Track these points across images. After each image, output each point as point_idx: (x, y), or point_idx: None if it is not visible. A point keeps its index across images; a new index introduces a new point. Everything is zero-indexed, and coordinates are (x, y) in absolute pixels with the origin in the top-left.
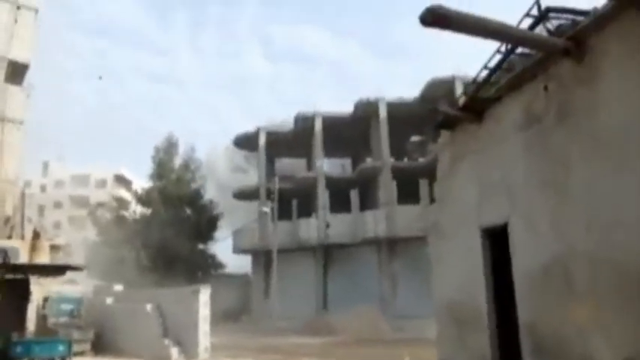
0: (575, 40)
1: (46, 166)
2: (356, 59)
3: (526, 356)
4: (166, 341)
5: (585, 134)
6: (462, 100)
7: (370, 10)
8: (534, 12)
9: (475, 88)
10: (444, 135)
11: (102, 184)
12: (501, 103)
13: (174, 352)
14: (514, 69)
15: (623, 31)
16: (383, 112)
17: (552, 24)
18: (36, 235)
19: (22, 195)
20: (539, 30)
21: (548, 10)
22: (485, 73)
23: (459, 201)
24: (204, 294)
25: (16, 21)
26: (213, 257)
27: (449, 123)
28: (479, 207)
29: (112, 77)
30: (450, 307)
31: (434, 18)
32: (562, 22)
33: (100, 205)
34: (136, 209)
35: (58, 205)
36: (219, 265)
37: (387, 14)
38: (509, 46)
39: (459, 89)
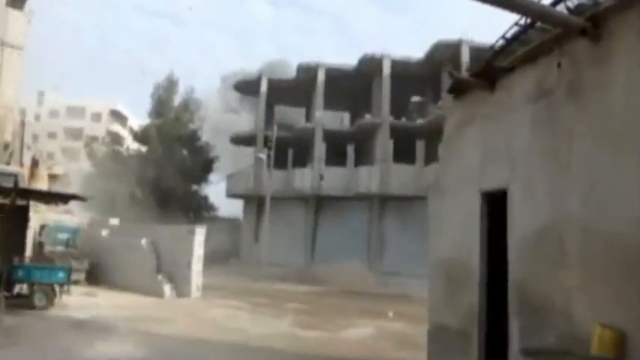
0: (594, 21)
1: (41, 95)
2: (359, 10)
3: (512, 314)
4: (160, 277)
5: (592, 112)
6: (475, 67)
7: None
8: None
9: (491, 56)
10: (454, 98)
11: (97, 117)
12: (514, 74)
13: (167, 288)
14: (530, 42)
15: (636, 18)
16: (387, 69)
17: (572, 2)
18: (35, 163)
19: (22, 122)
20: (560, 7)
21: None
22: (500, 42)
23: (462, 163)
24: (200, 234)
25: None
26: (205, 199)
27: (460, 87)
28: (481, 171)
29: (112, 10)
30: (444, 264)
31: None
32: (583, 1)
33: (95, 138)
34: (131, 145)
35: (52, 135)
36: (211, 208)
37: None
38: (528, 20)
39: (464, 53)
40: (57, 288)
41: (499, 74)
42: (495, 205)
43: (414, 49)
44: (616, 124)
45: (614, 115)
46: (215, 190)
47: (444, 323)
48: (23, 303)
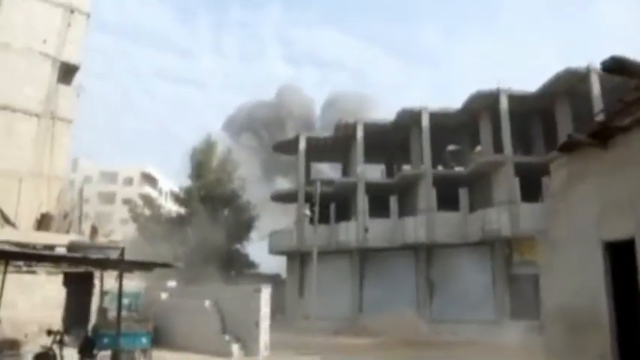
0: None
1: (75, 162)
2: (377, 64)
3: None
4: (227, 337)
5: None
6: (591, 127)
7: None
8: None
9: (609, 118)
10: (563, 156)
11: (129, 181)
12: (632, 133)
13: (235, 348)
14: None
15: None
16: (426, 121)
17: None
18: (94, 231)
19: (80, 191)
20: None
21: None
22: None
23: (575, 216)
24: (266, 292)
25: (69, 24)
26: (246, 257)
27: (570, 145)
28: (600, 223)
29: (136, 78)
30: (562, 312)
31: (616, 64)
32: None
33: (129, 201)
34: (166, 207)
35: (85, 200)
36: (252, 265)
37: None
38: None
39: (503, 103)
40: (138, 353)
41: (613, 134)
42: (619, 254)
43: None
44: None
45: None
46: (254, 248)
47: None
48: None
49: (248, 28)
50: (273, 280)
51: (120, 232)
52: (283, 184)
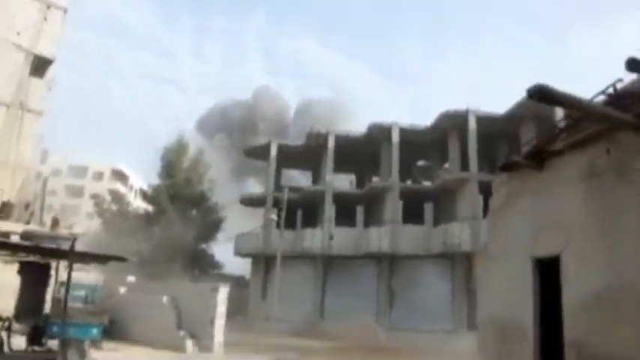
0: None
1: (45, 154)
2: (358, 78)
3: None
4: (182, 333)
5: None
6: (527, 150)
7: (378, 32)
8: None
9: (544, 142)
10: (503, 175)
11: (99, 176)
12: (564, 157)
13: (189, 344)
14: (574, 129)
15: None
16: (396, 136)
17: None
18: (55, 223)
19: (44, 183)
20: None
21: (621, 95)
22: (555, 131)
23: (511, 232)
24: (223, 292)
25: (45, 19)
26: (212, 257)
27: (510, 166)
28: (532, 240)
29: (116, 75)
30: (494, 322)
31: (539, 93)
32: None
33: (96, 196)
34: (134, 203)
35: (52, 193)
36: (217, 265)
37: (394, 37)
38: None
39: (471, 122)
40: (87, 343)
41: (548, 156)
42: (546, 270)
43: (411, 115)
44: None
45: None
46: (220, 248)
47: None
48: (52, 358)
49: (231, 36)
50: (238, 281)
51: (85, 225)
52: (255, 186)
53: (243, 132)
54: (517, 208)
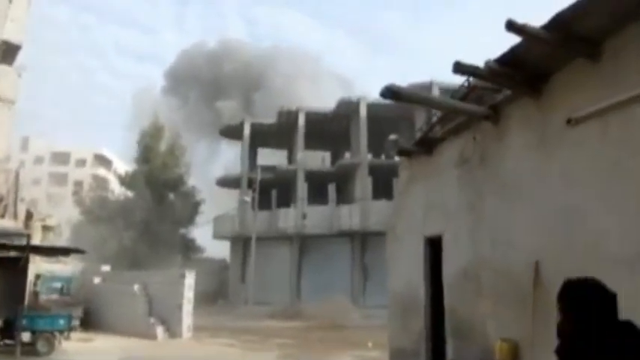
0: (494, 109)
1: (25, 141)
2: (339, 48)
3: (448, 335)
4: (152, 320)
5: (495, 175)
6: (416, 137)
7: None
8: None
9: (427, 129)
10: (403, 160)
11: (82, 162)
12: (444, 143)
13: (160, 330)
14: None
15: (520, 107)
16: (363, 112)
17: (477, 94)
18: (29, 216)
19: (17, 175)
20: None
21: (474, 87)
22: (434, 119)
23: (410, 213)
24: (190, 278)
25: (10, 1)
26: (192, 241)
27: (406, 152)
28: (424, 220)
29: (95, 53)
30: (398, 297)
31: (391, 93)
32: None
33: (80, 183)
34: (116, 189)
35: (36, 181)
36: (198, 249)
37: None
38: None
39: (435, 94)
40: (57, 335)
41: (434, 143)
42: (435, 248)
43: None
44: (509, 184)
45: (508, 177)
46: (202, 232)
47: (400, 347)
48: (26, 350)
49: (211, 4)
50: (219, 264)
51: (66, 215)
52: (228, 149)
53: (212, 85)
54: (414, 191)
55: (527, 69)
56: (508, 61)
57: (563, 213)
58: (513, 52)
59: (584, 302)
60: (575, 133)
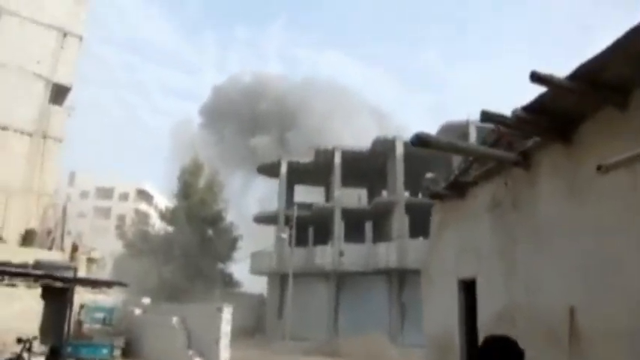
0: (523, 155)
1: (72, 176)
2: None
3: None
4: (190, 352)
5: (527, 220)
6: (448, 181)
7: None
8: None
9: (459, 173)
10: (435, 203)
11: (124, 197)
12: (477, 187)
13: None
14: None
15: (550, 154)
16: (400, 150)
17: (507, 139)
18: (75, 248)
19: (64, 209)
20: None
21: (504, 134)
22: (465, 165)
23: (443, 256)
24: (227, 312)
25: (62, 47)
26: (230, 276)
27: (438, 195)
28: (457, 263)
29: (140, 92)
30: (434, 339)
31: (420, 141)
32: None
33: (123, 217)
34: (157, 223)
35: (81, 215)
36: (235, 284)
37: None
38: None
39: (472, 132)
40: None
41: (466, 187)
42: (469, 290)
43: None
44: (541, 230)
45: (540, 223)
46: (239, 267)
47: None
48: None
49: (252, 47)
50: (256, 299)
51: (111, 247)
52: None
53: (247, 119)
54: (447, 234)
55: (555, 116)
56: (535, 108)
57: (596, 260)
58: (540, 100)
59: None
60: (605, 180)
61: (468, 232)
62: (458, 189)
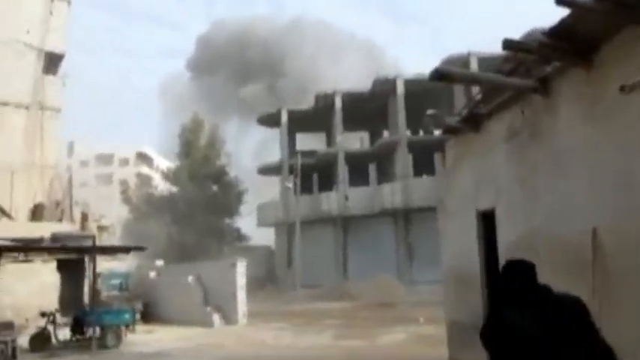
0: (542, 82)
1: (71, 146)
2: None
3: None
4: (208, 309)
5: (547, 147)
6: (463, 114)
7: None
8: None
9: (473, 106)
10: (449, 137)
11: (125, 162)
12: (492, 119)
13: (216, 318)
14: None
15: (570, 79)
16: (400, 89)
17: (525, 67)
18: (84, 218)
19: (69, 180)
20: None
21: (521, 61)
22: (479, 95)
23: (461, 189)
24: (241, 266)
25: (51, 13)
26: (238, 230)
27: (453, 130)
28: (475, 195)
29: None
30: (453, 271)
31: (441, 76)
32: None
33: (125, 182)
34: (160, 185)
35: (84, 184)
36: (243, 238)
37: None
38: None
39: (473, 65)
40: (123, 328)
41: (481, 119)
42: (487, 221)
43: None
44: (562, 158)
45: (561, 151)
46: (245, 221)
47: (457, 320)
48: (96, 344)
49: None
50: (265, 251)
51: (116, 213)
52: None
53: (235, 68)
54: (463, 167)
55: (578, 40)
56: (557, 33)
57: (619, 179)
58: (563, 23)
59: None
60: (629, 100)
61: (485, 164)
62: (472, 122)
